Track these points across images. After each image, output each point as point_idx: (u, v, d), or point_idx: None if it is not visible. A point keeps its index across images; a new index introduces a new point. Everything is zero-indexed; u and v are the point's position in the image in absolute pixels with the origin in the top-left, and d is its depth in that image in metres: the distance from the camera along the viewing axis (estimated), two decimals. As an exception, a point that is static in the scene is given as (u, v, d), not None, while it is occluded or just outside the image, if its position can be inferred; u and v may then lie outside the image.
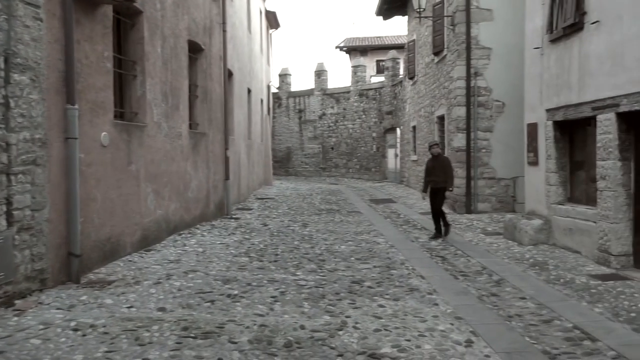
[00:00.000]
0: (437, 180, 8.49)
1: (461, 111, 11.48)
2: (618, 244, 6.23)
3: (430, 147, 8.84)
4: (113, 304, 4.79)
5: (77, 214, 5.42)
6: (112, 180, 6.35)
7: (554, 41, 7.66)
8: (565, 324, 4.40)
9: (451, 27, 11.91)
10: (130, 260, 6.54)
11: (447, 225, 8.57)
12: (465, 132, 11.43)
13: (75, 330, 4.06)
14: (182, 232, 8.72)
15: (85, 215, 5.69)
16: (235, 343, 3.90)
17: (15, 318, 4.29)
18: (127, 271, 6.02)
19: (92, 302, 4.81)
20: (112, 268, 6.12)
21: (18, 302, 4.63)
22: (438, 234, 8.51)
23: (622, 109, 6.05)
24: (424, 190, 8.89)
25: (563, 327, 4.34)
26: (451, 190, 8.67)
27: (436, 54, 13.37)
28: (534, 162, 8.40)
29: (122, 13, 6.95)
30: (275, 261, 6.83)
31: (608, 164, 6.33)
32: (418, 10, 12.16)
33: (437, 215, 8.54)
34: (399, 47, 24.28)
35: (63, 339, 3.87)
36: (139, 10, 7.13)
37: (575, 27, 6.99)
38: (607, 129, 6.34)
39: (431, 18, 13.17)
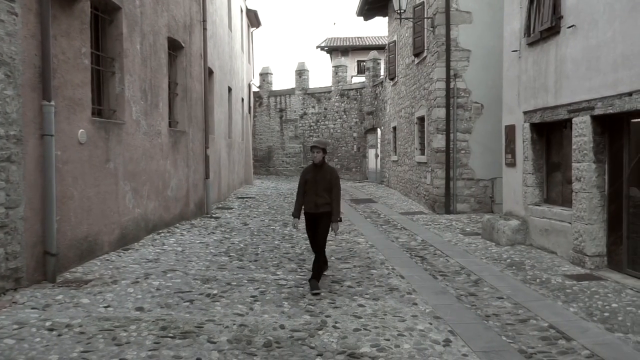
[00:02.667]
0: (317, 203, 5.63)
1: (441, 112, 11.59)
2: (592, 244, 6.36)
3: (312, 148, 5.74)
4: (90, 303, 4.72)
5: (54, 212, 5.33)
6: (89, 178, 6.25)
7: (531, 44, 7.78)
8: (541, 324, 4.48)
9: (431, 28, 12.02)
10: (107, 260, 6.44)
11: (325, 262, 5.98)
12: (444, 133, 11.55)
13: (51, 330, 3.99)
14: (161, 231, 8.63)
15: (61, 214, 5.59)
16: (214, 343, 3.87)
17: (-12, 318, 4.20)
18: (105, 270, 5.93)
19: (68, 301, 4.73)
20: (89, 267, 6.02)
21: (-9, 302, 4.52)
22: (317, 283, 5.49)
23: (597, 112, 6.18)
24: (296, 215, 5.81)
25: (539, 327, 4.41)
26: (339, 221, 5.76)
27: (416, 55, 13.47)
28: (512, 164, 8.53)
29: (100, 9, 6.85)
30: (256, 260, 6.80)
31: (583, 166, 6.46)
32: (398, 11, 12.24)
33: (318, 253, 5.68)
34: (379, 48, 24.40)
35: (38, 339, 3.80)
36: (118, 6, 7.04)
37: (552, 31, 7.12)
38: (582, 131, 6.47)
39: (411, 19, 13.28)
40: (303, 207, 5.72)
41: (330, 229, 5.72)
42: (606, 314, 4.69)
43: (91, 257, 6.32)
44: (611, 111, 5.93)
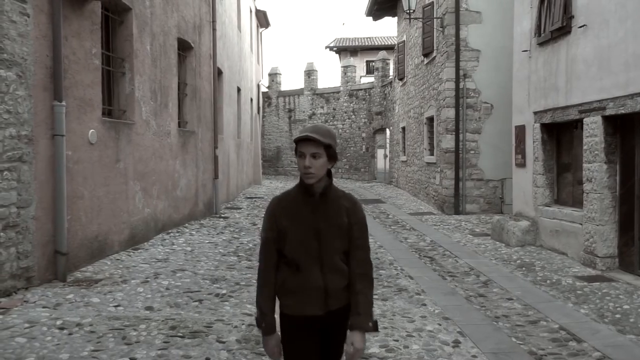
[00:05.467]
0: (326, 288, 2.13)
1: (450, 112, 11.54)
2: (604, 245, 6.30)
3: (299, 146, 2.10)
4: (100, 302, 4.75)
5: (64, 212, 5.36)
6: (99, 178, 6.29)
7: (542, 44, 7.73)
8: (552, 325, 4.45)
9: (440, 29, 11.98)
10: (117, 259, 6.48)
11: None
12: (454, 133, 11.50)
13: (61, 329, 4.02)
14: (170, 230, 8.67)
15: (72, 213, 5.63)
16: (223, 342, 3.88)
17: (0, 316, 4.24)
18: (115, 270, 5.97)
19: (78, 300, 4.77)
20: (99, 266, 6.06)
21: (3, 301, 4.57)
22: None
23: (609, 112, 6.12)
24: (268, 325, 2.17)
25: (549, 328, 4.38)
26: (374, 329, 2.15)
27: (426, 55, 13.43)
28: (522, 164, 8.47)
29: (110, 9, 6.90)
30: (264, 261, 6.80)
31: (594, 167, 6.40)
32: (408, 11, 12.21)
33: None
34: (388, 48, 24.35)
35: (49, 338, 3.83)
36: (128, 7, 7.08)
37: (563, 31, 7.06)
38: (593, 131, 6.41)
39: (421, 19, 13.23)
40: (280, 301, 2.22)
41: (348, 348, 2.14)
42: (617, 316, 4.64)
43: (101, 256, 6.36)
44: (623, 111, 5.88)
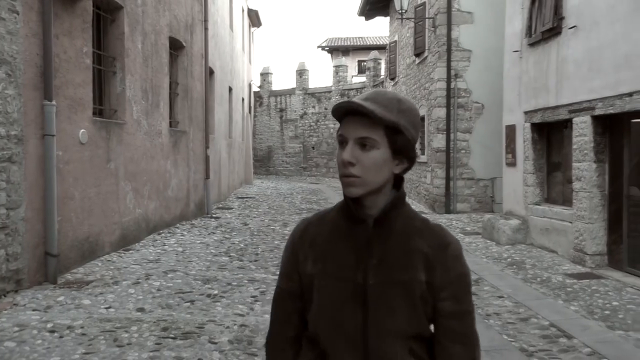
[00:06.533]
0: None
1: (441, 112, 11.59)
2: (593, 243, 6.36)
3: (344, 130, 1.15)
4: (91, 304, 4.72)
5: (55, 213, 5.32)
6: (90, 179, 6.25)
7: (532, 45, 7.78)
8: (542, 322, 4.49)
9: (432, 29, 12.02)
10: (108, 260, 6.45)
11: None
12: (445, 133, 11.55)
13: (52, 331, 3.99)
14: (161, 231, 8.63)
15: (62, 214, 5.59)
16: (216, 343, 3.88)
17: (-10, 319, 4.20)
18: (106, 271, 5.93)
19: (69, 302, 4.74)
20: (90, 268, 6.02)
21: (-8, 303, 4.53)
22: None
23: (598, 112, 6.18)
24: None
25: (540, 325, 4.42)
26: None
27: (417, 55, 13.47)
28: (512, 163, 8.52)
29: (102, 8, 6.85)
30: (256, 260, 6.80)
31: (584, 166, 6.46)
32: (400, 11, 12.24)
33: None
34: (380, 48, 24.39)
35: (39, 341, 3.80)
36: (120, 5, 7.04)
37: (554, 32, 7.12)
38: (583, 131, 6.47)
39: (413, 19, 13.27)
40: None
41: None
42: (607, 312, 4.69)
43: (92, 257, 6.32)
44: (612, 111, 5.93)
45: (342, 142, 1.13)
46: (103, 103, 7.02)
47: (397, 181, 1.20)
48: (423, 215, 1.24)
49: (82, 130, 6.04)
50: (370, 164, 1.11)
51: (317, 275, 1.18)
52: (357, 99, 1.12)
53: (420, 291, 1.14)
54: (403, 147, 1.13)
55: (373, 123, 1.09)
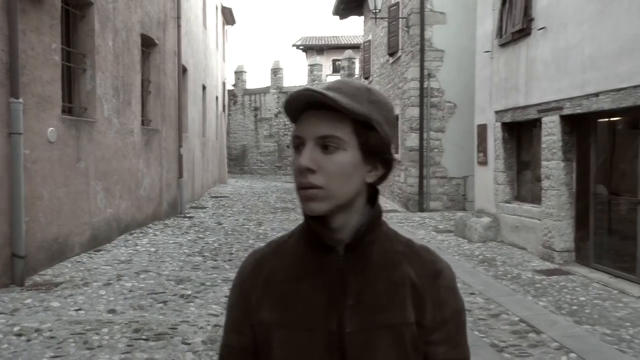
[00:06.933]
0: None
1: (414, 111, 11.71)
2: (561, 240, 6.52)
3: (296, 136, 0.93)
4: (60, 306, 4.62)
5: (22, 213, 5.19)
6: (59, 178, 6.11)
7: (503, 45, 7.93)
8: (512, 318, 4.58)
9: (406, 28, 12.12)
10: (78, 261, 6.32)
11: None
12: (418, 132, 11.67)
13: (19, 335, 3.89)
14: (133, 231, 8.50)
15: (30, 215, 5.45)
16: (189, 344, 3.84)
17: (-47, 323, 4.08)
18: (76, 272, 5.81)
19: (37, 305, 4.63)
20: (59, 269, 5.89)
21: (-44, 306, 4.39)
22: None
23: (566, 112, 6.34)
24: None
25: (510, 321, 4.51)
26: None
27: (391, 54, 13.57)
28: (484, 162, 8.67)
29: (71, 4, 6.71)
30: (230, 260, 6.76)
31: (552, 164, 6.61)
32: (374, 11, 12.31)
33: None
34: (355, 47, 24.49)
35: (5, 345, 3.71)
36: (90, 2, 6.90)
37: (523, 33, 7.26)
38: (551, 130, 6.62)
39: (386, 19, 13.36)
40: None
41: None
42: (574, 307, 4.82)
43: (61, 259, 6.18)
44: (579, 111, 6.09)
45: (299, 145, 0.90)
46: (73, 101, 6.88)
47: (372, 195, 0.95)
48: (384, 208, 1.02)
49: (51, 128, 5.90)
50: (336, 170, 0.86)
51: (276, 325, 0.91)
52: (317, 88, 0.86)
53: (411, 336, 0.90)
54: (377, 148, 0.89)
55: (338, 118, 0.86)
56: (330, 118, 0.87)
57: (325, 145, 0.87)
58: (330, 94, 0.85)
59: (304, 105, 0.89)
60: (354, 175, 0.88)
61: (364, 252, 0.92)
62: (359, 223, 0.92)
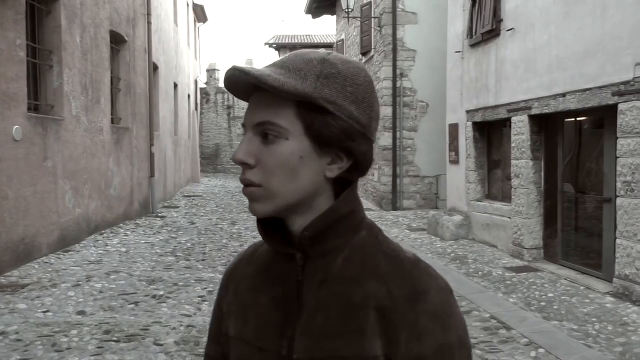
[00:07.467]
0: None
1: (387, 111, 11.80)
2: (530, 237, 6.67)
3: (246, 128, 0.75)
4: (27, 308, 4.50)
5: (-15, 214, 5.03)
6: (25, 177, 5.94)
7: (473, 46, 8.05)
8: (483, 314, 4.66)
9: (378, 28, 12.20)
10: (46, 262, 6.16)
11: None
12: (391, 131, 11.77)
13: (-16, 338, 3.77)
14: (103, 231, 8.33)
15: (-6, 215, 5.29)
16: (161, 345, 3.79)
17: None
18: (43, 273, 5.67)
19: (2, 307, 4.49)
20: (26, 270, 5.73)
21: None
22: None
23: (534, 111, 6.48)
24: None
25: (481, 317, 4.59)
26: None
27: (364, 54, 13.64)
28: (455, 161, 8.80)
29: (36, -1, 6.53)
30: (203, 260, 6.69)
31: (521, 163, 6.76)
32: (346, 10, 12.35)
33: None
34: (327, 46, 24.53)
35: (-31, 349, 3.59)
36: (56, -3, 6.73)
37: (493, 33, 7.39)
38: (520, 130, 6.76)
39: (359, 19, 13.42)
40: None
41: None
42: (543, 304, 4.93)
43: (28, 260, 6.02)
44: (547, 111, 6.23)
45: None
46: (39, 98, 6.70)
47: (340, 190, 0.76)
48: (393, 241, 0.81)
49: (16, 126, 5.73)
50: (274, 163, 0.71)
51: (235, 339, 0.80)
52: (250, 65, 0.68)
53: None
54: (331, 134, 0.71)
55: (280, 100, 0.70)
56: (270, 101, 0.71)
57: (265, 133, 0.71)
58: (258, 71, 0.69)
59: (250, 87, 0.74)
60: (302, 169, 0.71)
61: (324, 262, 0.74)
62: (321, 223, 0.73)
